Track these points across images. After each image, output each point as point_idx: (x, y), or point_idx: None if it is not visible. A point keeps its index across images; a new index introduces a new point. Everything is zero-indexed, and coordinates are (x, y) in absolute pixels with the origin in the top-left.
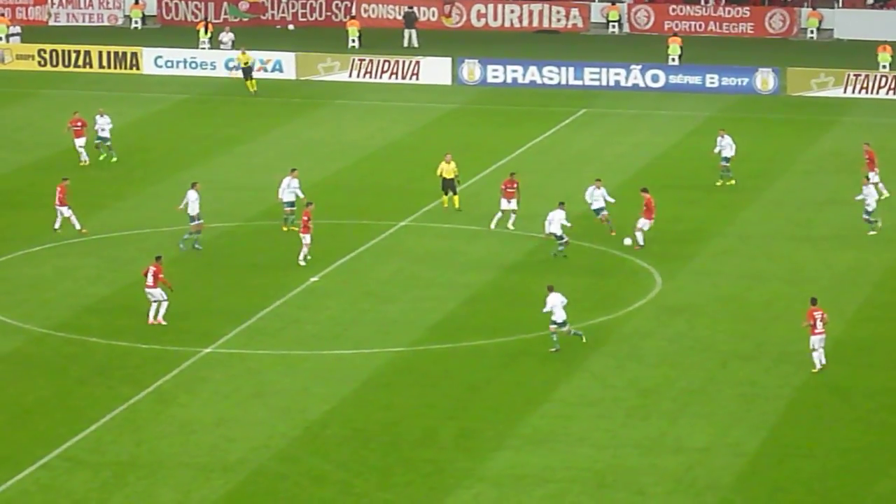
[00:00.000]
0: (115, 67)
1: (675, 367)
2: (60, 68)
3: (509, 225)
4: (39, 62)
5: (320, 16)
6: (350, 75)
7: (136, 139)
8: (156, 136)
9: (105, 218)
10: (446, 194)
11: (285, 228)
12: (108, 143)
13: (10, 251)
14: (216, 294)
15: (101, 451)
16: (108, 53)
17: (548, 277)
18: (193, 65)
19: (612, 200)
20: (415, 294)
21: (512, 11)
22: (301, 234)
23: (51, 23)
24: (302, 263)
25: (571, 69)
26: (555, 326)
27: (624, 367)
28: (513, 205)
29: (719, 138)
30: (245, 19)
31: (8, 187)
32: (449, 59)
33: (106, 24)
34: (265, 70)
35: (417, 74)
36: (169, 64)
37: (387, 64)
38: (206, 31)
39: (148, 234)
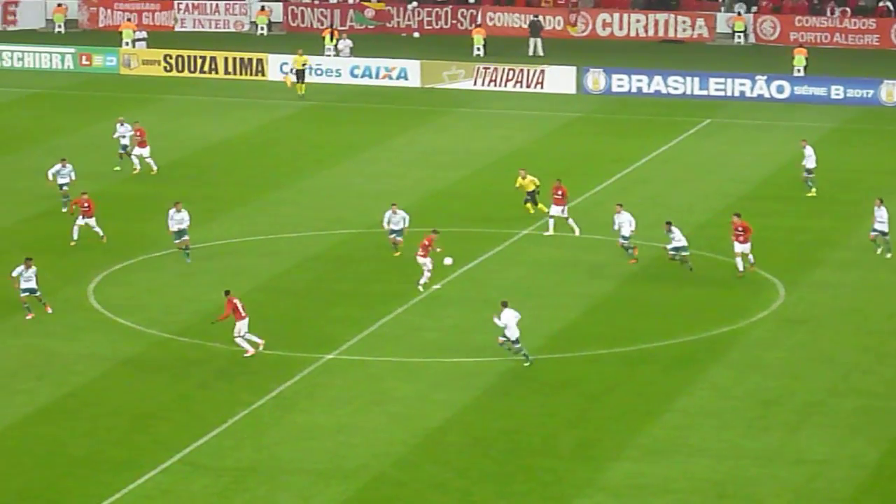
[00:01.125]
0: (241, 73)
1: (797, 379)
2: (186, 74)
3: (575, 231)
4: (165, 67)
5: (445, 24)
6: (475, 83)
7: (260, 145)
8: (279, 142)
9: (226, 224)
10: (525, 203)
11: (397, 254)
12: (129, 151)
13: (132, 256)
14: (337, 300)
15: (221, 456)
16: (234, 59)
17: (670, 287)
18: (318, 71)
19: (633, 230)
20: (536, 302)
21: (637, 21)
22: (420, 259)
23: (177, 28)
24: (420, 289)
25: (696, 79)
26: (504, 339)
27: (745, 377)
28: (562, 211)
29: (804, 149)
30: (370, 26)
31: (130, 193)
32: (574, 68)
33: (232, 30)
34: (389, 77)
35: (542, 83)
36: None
37: (511, 72)
38: (331, 38)
39: (269, 240)
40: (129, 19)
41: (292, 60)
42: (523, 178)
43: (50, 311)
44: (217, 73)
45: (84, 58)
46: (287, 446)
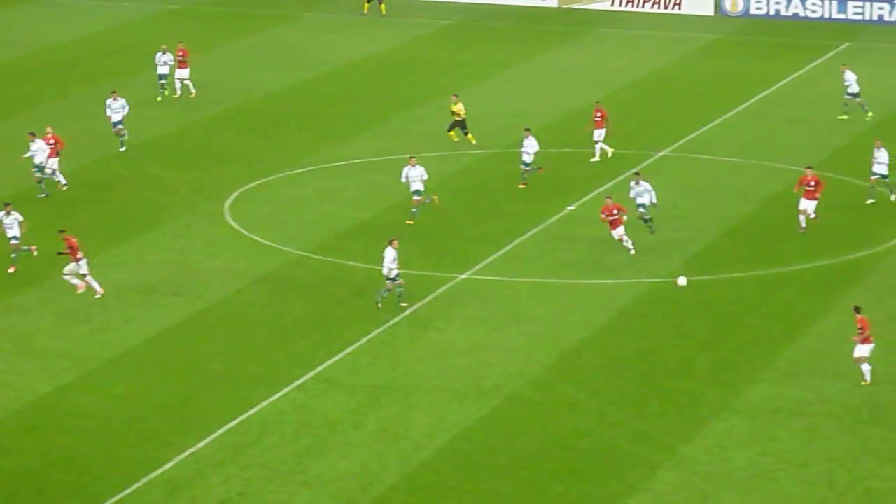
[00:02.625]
0: None
1: None
2: None
3: (608, 153)
4: None
5: None
6: (613, 3)
7: (399, 63)
8: (420, 60)
9: (367, 141)
10: (450, 130)
11: (444, 209)
12: (163, 82)
13: (273, 173)
14: (474, 220)
15: (357, 374)
16: None
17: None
18: None
19: (655, 203)
20: (674, 224)
21: None
22: (614, 233)
23: None
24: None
25: (835, 2)
26: (390, 283)
27: (883, 302)
28: (599, 135)
29: (844, 74)
30: None
31: (273, 109)
32: None
33: None
34: None
35: (680, 4)
36: None
37: None
38: None
39: (407, 159)
40: None
41: None
42: (455, 103)
43: (35, 254)
44: None
45: None
46: (422, 365)
